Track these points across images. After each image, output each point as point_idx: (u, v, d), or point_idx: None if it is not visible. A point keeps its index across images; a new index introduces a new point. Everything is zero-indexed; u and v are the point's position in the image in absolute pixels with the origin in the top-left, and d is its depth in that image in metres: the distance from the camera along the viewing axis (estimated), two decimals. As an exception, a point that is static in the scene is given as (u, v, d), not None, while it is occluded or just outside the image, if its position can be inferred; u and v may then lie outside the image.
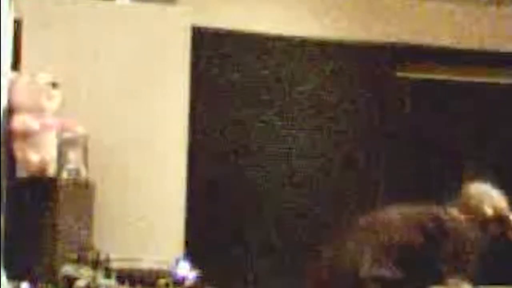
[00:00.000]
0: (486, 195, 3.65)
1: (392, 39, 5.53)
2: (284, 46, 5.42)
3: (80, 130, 3.57)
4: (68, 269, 2.97)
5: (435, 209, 3.60)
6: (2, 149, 3.14)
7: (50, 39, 3.77)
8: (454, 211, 3.63)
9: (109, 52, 3.83)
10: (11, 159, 3.40)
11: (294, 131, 5.43)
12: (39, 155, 3.42)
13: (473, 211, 3.60)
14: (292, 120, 5.43)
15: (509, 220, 3.62)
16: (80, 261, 3.01)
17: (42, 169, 3.43)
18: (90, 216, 3.48)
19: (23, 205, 3.33)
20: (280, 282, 5.30)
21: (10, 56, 3.51)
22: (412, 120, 5.66)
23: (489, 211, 3.60)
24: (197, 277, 3.02)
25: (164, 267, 3.02)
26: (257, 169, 5.36)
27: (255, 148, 5.36)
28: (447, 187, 5.63)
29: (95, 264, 2.97)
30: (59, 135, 3.50)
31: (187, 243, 3.84)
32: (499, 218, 3.60)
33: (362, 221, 3.64)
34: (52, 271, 3.16)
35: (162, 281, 2.95)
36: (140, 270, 2.99)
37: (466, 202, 3.64)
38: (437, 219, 3.53)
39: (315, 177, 5.44)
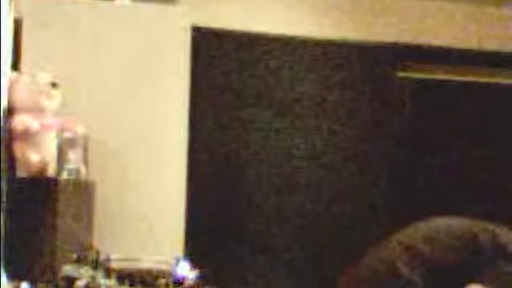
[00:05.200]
0: None
1: (393, 39, 5.53)
2: (284, 46, 5.42)
3: (80, 130, 3.57)
4: (68, 269, 2.97)
5: (492, 227, 3.42)
6: (2, 149, 3.14)
7: (50, 39, 3.77)
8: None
9: (109, 52, 3.83)
10: (11, 159, 3.40)
11: (294, 131, 5.43)
12: (39, 155, 3.42)
13: None
14: (292, 120, 5.43)
15: None
16: (80, 261, 3.00)
17: (42, 169, 3.43)
18: (90, 216, 3.48)
19: (23, 205, 3.32)
20: (280, 282, 5.30)
21: (10, 56, 3.51)
22: (412, 120, 5.66)
23: None
24: (197, 277, 3.02)
25: (164, 267, 3.02)
26: (257, 169, 5.36)
27: (255, 148, 5.36)
28: (447, 187, 5.64)
29: (95, 264, 2.97)
30: (59, 135, 3.50)
31: (187, 243, 3.84)
32: None
33: (406, 230, 3.50)
34: (52, 271, 3.16)
35: (162, 281, 2.95)
36: (140, 270, 2.98)
37: None
38: (494, 237, 3.35)
39: (315, 177, 5.44)
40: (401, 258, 3.23)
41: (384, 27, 5.55)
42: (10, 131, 3.39)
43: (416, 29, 5.60)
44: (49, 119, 3.49)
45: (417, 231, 3.38)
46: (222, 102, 5.31)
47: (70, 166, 3.49)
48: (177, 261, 3.06)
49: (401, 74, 5.65)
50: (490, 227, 3.32)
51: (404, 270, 3.19)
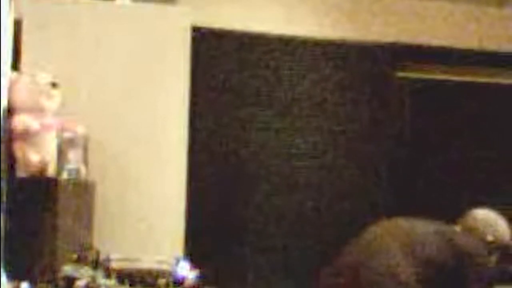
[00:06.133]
0: (492, 223, 3.67)
1: (392, 39, 5.53)
2: (284, 46, 5.42)
3: (80, 130, 3.57)
4: (68, 269, 2.97)
5: (443, 226, 3.55)
6: (2, 149, 3.13)
7: (50, 39, 3.77)
8: (458, 229, 3.60)
9: (109, 52, 3.83)
10: (11, 159, 3.40)
11: (294, 131, 5.43)
12: (39, 155, 3.42)
13: (477, 235, 3.60)
14: (292, 120, 5.43)
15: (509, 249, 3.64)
16: (80, 261, 3.00)
17: (42, 169, 3.42)
18: (90, 216, 3.48)
19: (23, 205, 3.32)
20: (280, 282, 5.30)
21: (10, 56, 3.51)
22: (412, 120, 5.66)
23: (490, 239, 3.61)
24: (197, 277, 3.02)
25: (164, 267, 3.02)
26: (257, 169, 5.36)
27: (255, 148, 5.36)
28: (447, 187, 5.64)
29: (95, 264, 2.97)
30: (59, 135, 3.50)
31: (187, 243, 3.84)
32: (500, 248, 3.61)
33: (383, 227, 3.57)
34: (52, 271, 3.16)
35: (162, 281, 2.95)
36: (140, 270, 2.98)
37: (471, 225, 3.63)
38: (444, 236, 3.48)
39: (315, 177, 5.44)
40: (400, 265, 3.28)
41: (383, 27, 5.55)
42: (10, 131, 3.39)
43: (416, 29, 5.60)
44: (49, 119, 3.48)
45: (409, 237, 3.45)
46: (222, 102, 5.31)
47: (70, 166, 3.49)
48: (177, 261, 3.06)
49: (400, 74, 5.65)
50: (453, 228, 3.46)
51: (403, 277, 3.23)
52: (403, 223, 3.63)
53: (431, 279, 3.34)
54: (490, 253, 3.57)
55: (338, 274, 3.47)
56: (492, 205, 3.79)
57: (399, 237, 3.46)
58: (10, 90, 3.44)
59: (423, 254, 3.38)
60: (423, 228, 3.52)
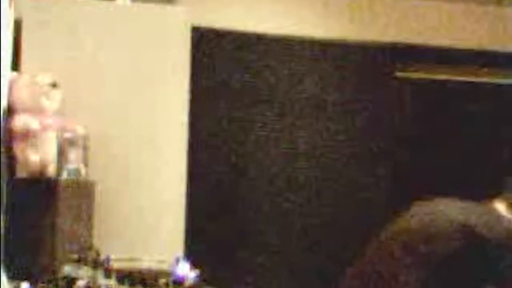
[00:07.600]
0: None
1: (393, 39, 5.53)
2: (284, 46, 5.42)
3: (80, 130, 3.57)
4: (68, 269, 2.97)
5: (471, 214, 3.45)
6: (2, 149, 3.14)
7: (50, 39, 3.77)
8: (500, 208, 3.49)
9: (109, 52, 3.83)
10: (11, 159, 3.40)
11: (294, 131, 5.43)
12: (39, 155, 3.42)
13: None
14: (292, 120, 5.43)
15: None
16: (80, 261, 3.01)
17: (42, 169, 3.43)
18: (90, 216, 3.48)
19: (23, 205, 3.32)
20: (280, 282, 5.30)
21: (10, 56, 3.51)
22: (412, 120, 5.67)
23: None
24: (197, 277, 3.02)
25: (164, 267, 3.02)
26: (257, 169, 5.36)
27: (255, 148, 5.36)
28: (447, 187, 5.64)
29: (95, 264, 2.97)
30: (59, 135, 3.50)
31: (187, 243, 3.84)
32: None
33: (403, 227, 3.52)
34: (52, 271, 3.16)
35: (162, 281, 2.95)
36: (140, 270, 2.98)
37: None
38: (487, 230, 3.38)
39: (316, 177, 5.44)
40: (403, 264, 3.25)
41: (384, 27, 5.55)
42: (10, 131, 3.39)
43: (416, 29, 5.60)
44: (49, 119, 3.49)
45: (416, 230, 3.40)
46: (222, 102, 5.31)
47: (70, 166, 3.49)
48: (177, 261, 3.06)
49: (401, 74, 5.65)
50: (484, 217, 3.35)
51: (402, 277, 3.21)
52: (415, 218, 3.54)
53: (440, 277, 3.29)
54: None
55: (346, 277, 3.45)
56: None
57: (403, 235, 3.42)
58: (10, 90, 3.44)
59: (427, 251, 3.32)
60: (437, 220, 3.44)
